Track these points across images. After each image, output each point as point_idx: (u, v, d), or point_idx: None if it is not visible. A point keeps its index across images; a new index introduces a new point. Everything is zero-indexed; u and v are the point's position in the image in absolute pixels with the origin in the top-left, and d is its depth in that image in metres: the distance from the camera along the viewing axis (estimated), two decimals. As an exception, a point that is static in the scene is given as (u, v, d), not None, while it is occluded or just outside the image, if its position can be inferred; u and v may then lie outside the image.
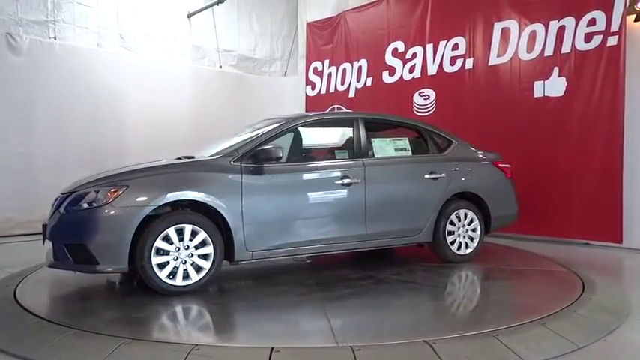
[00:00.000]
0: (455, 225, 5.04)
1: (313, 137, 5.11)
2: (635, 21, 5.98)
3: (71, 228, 3.82)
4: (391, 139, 5.05)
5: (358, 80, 8.82)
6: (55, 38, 8.02)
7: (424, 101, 7.85)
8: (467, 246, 5.12)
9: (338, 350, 2.77)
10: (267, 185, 4.24)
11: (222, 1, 9.50)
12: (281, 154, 4.19)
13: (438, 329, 3.23)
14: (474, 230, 5.15)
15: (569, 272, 4.76)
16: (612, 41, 5.95)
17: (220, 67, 10.26)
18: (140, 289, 4.04)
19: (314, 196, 4.50)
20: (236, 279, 4.72)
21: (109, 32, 8.71)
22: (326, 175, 4.56)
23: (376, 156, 4.89)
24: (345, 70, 9.08)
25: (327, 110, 8.70)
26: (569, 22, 6.32)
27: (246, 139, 4.44)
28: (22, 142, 7.55)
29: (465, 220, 5.09)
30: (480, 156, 5.43)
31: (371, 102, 8.33)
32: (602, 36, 6.04)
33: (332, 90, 9.28)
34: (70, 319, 3.27)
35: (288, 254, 4.48)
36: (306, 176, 4.53)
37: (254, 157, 4.19)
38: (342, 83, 9.11)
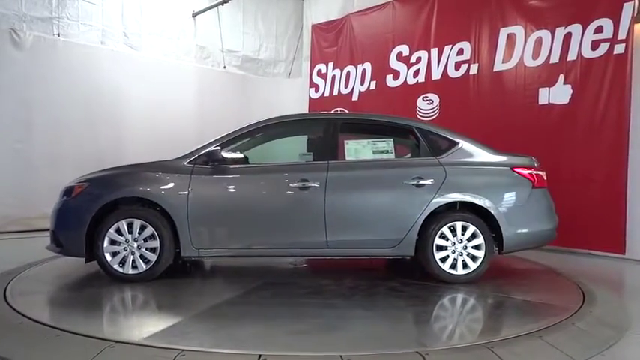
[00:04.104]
0: (448, 239, 4.43)
1: (280, 139, 4.99)
2: (643, 29, 5.91)
3: (53, 216, 4.40)
4: (371, 140, 4.70)
5: (362, 83, 8.78)
6: (58, 35, 8.00)
7: (428, 106, 7.79)
8: (465, 265, 4.42)
9: (326, 359, 2.71)
10: (215, 186, 4.37)
11: (227, 1, 9.49)
12: (221, 156, 4.33)
13: (431, 340, 3.17)
14: (477, 247, 4.44)
15: (569, 282, 4.67)
16: (619, 49, 5.86)
17: (224, 67, 10.24)
18: (135, 289, 4.10)
19: (264, 198, 4.39)
20: (224, 282, 4.70)
21: (114, 30, 8.69)
22: (279, 177, 4.42)
23: (347, 159, 4.60)
24: (349, 73, 9.03)
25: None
26: (575, 29, 6.24)
27: (210, 141, 4.53)
28: (21, 138, 7.52)
29: (464, 234, 4.41)
30: (495, 160, 4.67)
31: (374, 106, 8.27)
32: (609, 44, 5.95)
33: (335, 93, 9.24)
34: (56, 320, 3.22)
35: (237, 255, 4.52)
36: (257, 178, 4.46)
37: (205, 159, 4.37)
38: (346, 86, 9.07)
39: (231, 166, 4.44)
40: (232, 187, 4.41)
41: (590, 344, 3.13)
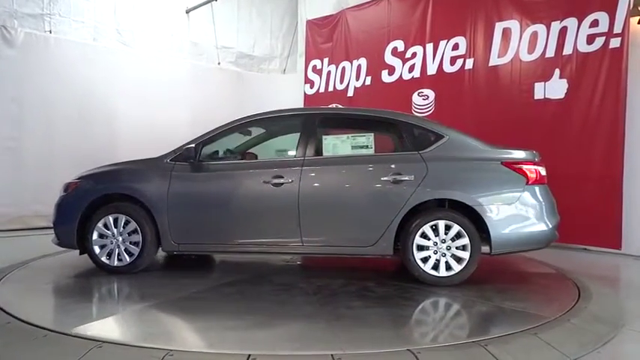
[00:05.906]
0: (430, 239, 4.17)
1: (261, 136, 5.04)
2: (638, 23, 5.85)
3: (53, 211, 4.64)
4: (350, 135, 4.51)
5: (357, 79, 8.72)
6: (50, 32, 7.92)
7: (423, 101, 7.74)
8: (448, 267, 4.14)
9: (317, 359, 2.66)
10: (193, 183, 4.47)
11: (221, -3, 9.41)
12: (192, 153, 4.39)
13: (424, 338, 3.12)
14: (462, 248, 4.13)
15: (565, 278, 4.64)
16: (615, 43, 5.81)
17: (219, 63, 10.16)
18: (122, 282, 4.24)
19: (239, 195, 4.40)
20: (201, 276, 4.66)
21: (106, 27, 8.62)
22: (255, 174, 4.41)
23: (325, 154, 4.46)
24: (344, 68, 8.97)
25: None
26: (571, 22, 6.19)
27: (191, 139, 4.61)
28: (13, 136, 7.45)
29: (447, 234, 4.13)
30: (485, 154, 4.31)
31: (369, 101, 8.20)
32: (604, 38, 5.90)
33: (331, 89, 9.18)
34: (44, 320, 3.17)
35: (214, 251, 4.64)
36: (233, 175, 4.48)
37: (185, 157, 4.46)
38: (341, 82, 9.01)
39: (208, 164, 4.52)
40: (209, 184, 4.47)
41: (586, 341, 3.09)
